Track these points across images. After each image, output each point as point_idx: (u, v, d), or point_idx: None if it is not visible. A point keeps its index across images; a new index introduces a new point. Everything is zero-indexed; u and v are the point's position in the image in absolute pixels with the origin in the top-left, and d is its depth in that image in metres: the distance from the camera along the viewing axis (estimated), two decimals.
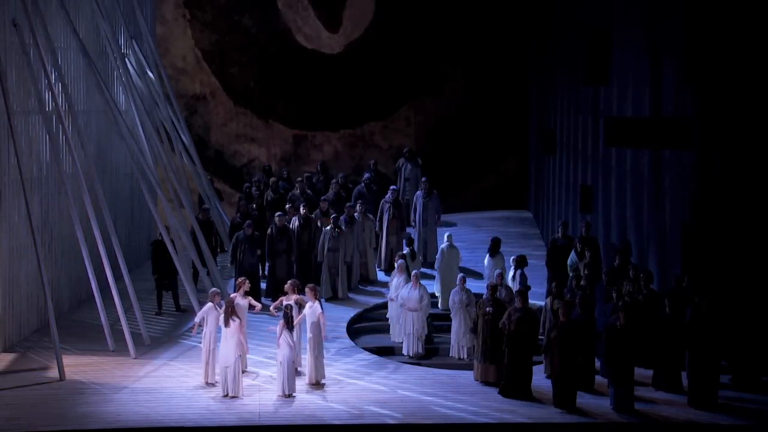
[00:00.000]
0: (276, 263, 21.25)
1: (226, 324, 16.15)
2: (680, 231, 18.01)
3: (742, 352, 16.83)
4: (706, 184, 17.62)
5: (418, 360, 18.34)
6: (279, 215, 21.48)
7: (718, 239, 17.52)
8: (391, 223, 23.05)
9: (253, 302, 17.53)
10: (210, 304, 16.69)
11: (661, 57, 18.68)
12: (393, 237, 23.04)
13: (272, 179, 24.76)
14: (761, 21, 17.08)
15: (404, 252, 20.88)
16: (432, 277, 21.53)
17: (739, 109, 17.37)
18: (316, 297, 16.98)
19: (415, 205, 23.75)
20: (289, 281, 17.46)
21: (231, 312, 16.23)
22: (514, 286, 18.99)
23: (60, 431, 14.65)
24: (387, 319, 19.71)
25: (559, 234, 20.69)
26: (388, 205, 23.07)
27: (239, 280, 17.73)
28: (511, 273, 19.69)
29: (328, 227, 21.47)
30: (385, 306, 20.19)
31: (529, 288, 19.18)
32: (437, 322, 19.70)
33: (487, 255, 20.74)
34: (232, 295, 17.14)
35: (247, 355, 17.10)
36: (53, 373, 16.87)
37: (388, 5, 28.91)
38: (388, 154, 28.70)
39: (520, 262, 19.58)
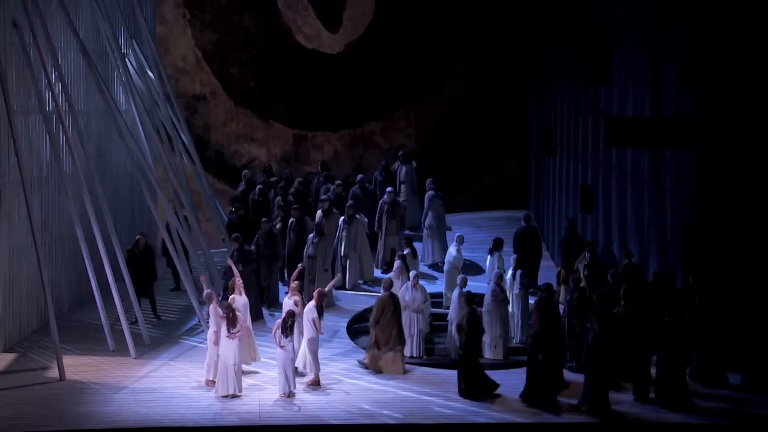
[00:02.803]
0: (261, 269, 20.75)
1: (232, 327, 16.08)
2: (681, 231, 17.99)
3: (744, 351, 16.84)
4: (706, 184, 17.60)
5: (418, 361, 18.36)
6: (264, 220, 21.31)
7: (719, 239, 17.51)
8: (389, 224, 23.02)
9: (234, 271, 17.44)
10: (212, 305, 16.65)
11: (661, 57, 18.66)
12: (392, 238, 23.01)
13: (298, 179, 24.65)
14: (761, 21, 17.07)
15: (404, 252, 20.85)
16: (432, 277, 21.53)
17: (739, 109, 17.35)
18: (321, 303, 16.92)
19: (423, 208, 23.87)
20: (294, 282, 17.47)
21: (233, 314, 16.18)
22: (515, 285, 18.99)
23: (60, 431, 14.65)
24: None
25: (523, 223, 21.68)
26: (386, 206, 23.03)
27: (230, 282, 17.61)
28: (510, 273, 19.67)
29: (311, 234, 21.19)
30: None
31: (530, 288, 19.19)
32: (437, 322, 19.69)
33: (488, 255, 20.76)
34: (231, 298, 17.11)
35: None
36: (53, 373, 16.88)
37: (388, 5, 28.89)
38: (388, 154, 28.64)
39: (521, 263, 19.55)
